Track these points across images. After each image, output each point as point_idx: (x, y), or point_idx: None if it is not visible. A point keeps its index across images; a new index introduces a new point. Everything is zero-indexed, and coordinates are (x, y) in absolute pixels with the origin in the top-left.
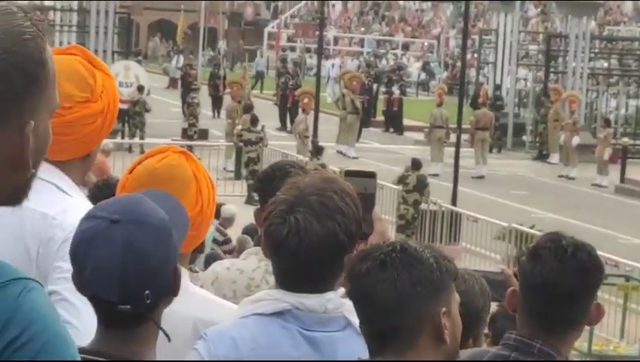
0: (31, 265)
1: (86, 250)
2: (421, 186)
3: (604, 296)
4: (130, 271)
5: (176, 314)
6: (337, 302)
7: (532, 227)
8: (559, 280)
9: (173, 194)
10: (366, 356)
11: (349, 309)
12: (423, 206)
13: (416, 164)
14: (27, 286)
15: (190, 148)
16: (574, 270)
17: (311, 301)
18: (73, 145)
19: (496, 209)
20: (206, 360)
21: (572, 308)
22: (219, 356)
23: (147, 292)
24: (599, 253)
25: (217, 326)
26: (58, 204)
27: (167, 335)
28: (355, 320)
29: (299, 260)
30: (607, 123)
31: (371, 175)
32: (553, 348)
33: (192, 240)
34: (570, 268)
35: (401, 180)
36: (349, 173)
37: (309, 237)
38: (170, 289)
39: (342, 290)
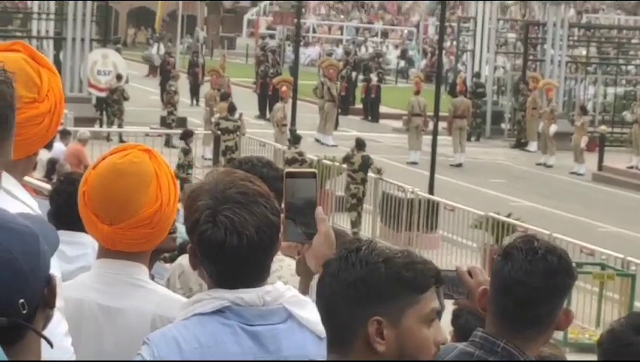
0: None
1: None
2: (365, 166)
3: (580, 284)
4: None
5: (135, 310)
6: (275, 293)
7: (509, 215)
8: (527, 281)
9: (133, 189)
10: (311, 348)
11: (289, 301)
12: (400, 194)
13: (360, 145)
14: None
15: (168, 135)
16: (542, 272)
17: (249, 295)
18: (20, 146)
19: (473, 197)
20: (148, 360)
21: (538, 309)
22: (162, 357)
23: (22, 301)
24: (575, 241)
25: (159, 329)
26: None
27: (49, 342)
28: (297, 312)
29: (241, 256)
30: (583, 111)
31: (313, 175)
32: (516, 348)
33: (151, 237)
34: (539, 269)
35: (346, 159)
36: (290, 175)
37: (247, 230)
38: (45, 299)
39: (279, 283)
